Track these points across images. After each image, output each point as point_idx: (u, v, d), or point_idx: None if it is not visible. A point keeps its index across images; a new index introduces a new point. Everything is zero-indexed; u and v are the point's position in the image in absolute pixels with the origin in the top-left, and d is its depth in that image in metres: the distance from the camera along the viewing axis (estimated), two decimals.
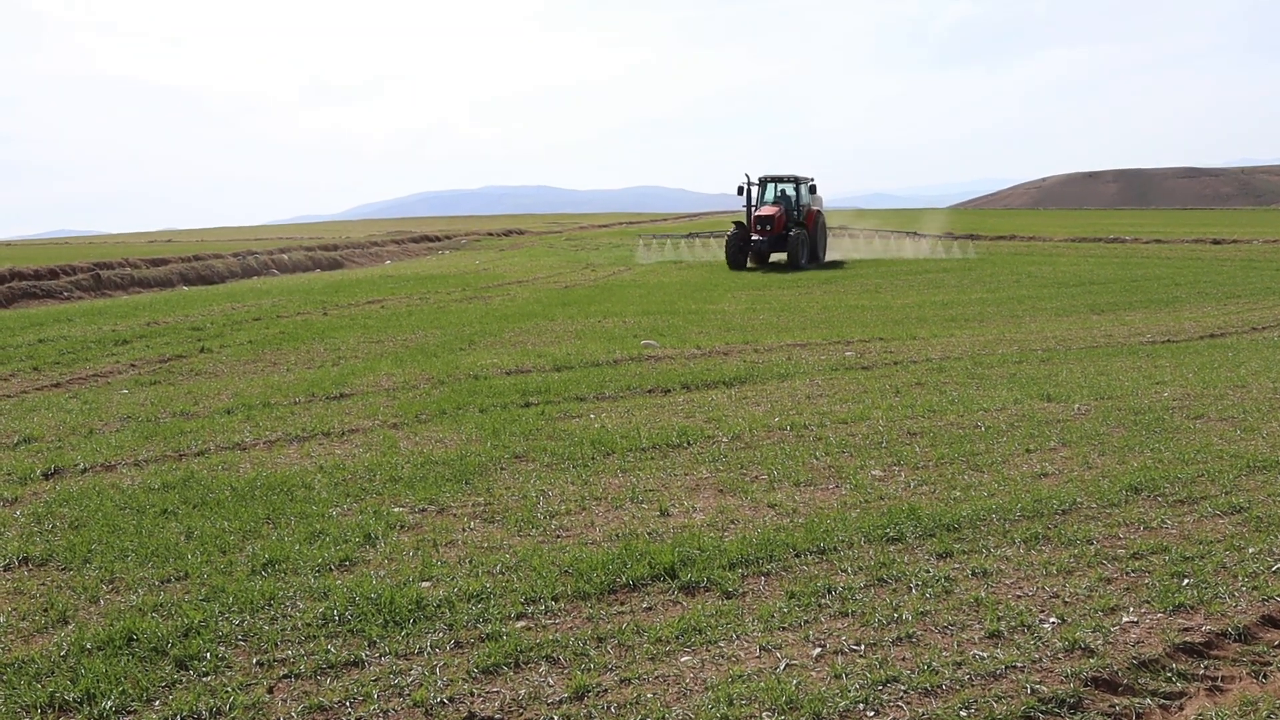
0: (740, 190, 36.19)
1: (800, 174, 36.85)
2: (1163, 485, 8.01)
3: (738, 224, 36.73)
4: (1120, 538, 6.91)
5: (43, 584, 6.55)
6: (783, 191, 37.02)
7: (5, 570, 6.82)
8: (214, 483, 8.70)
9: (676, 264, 39.40)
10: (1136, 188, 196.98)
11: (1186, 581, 6.13)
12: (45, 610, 6.10)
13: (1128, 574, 6.29)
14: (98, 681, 5.11)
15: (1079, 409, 10.88)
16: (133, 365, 16.09)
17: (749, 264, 36.04)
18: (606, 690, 5.00)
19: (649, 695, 4.93)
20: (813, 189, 36.58)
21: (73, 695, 5.01)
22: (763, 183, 37.20)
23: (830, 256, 39.69)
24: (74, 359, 16.73)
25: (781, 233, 35.34)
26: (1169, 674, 5.07)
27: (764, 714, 4.74)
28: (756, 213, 35.69)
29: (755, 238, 35.41)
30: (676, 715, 4.75)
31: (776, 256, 36.92)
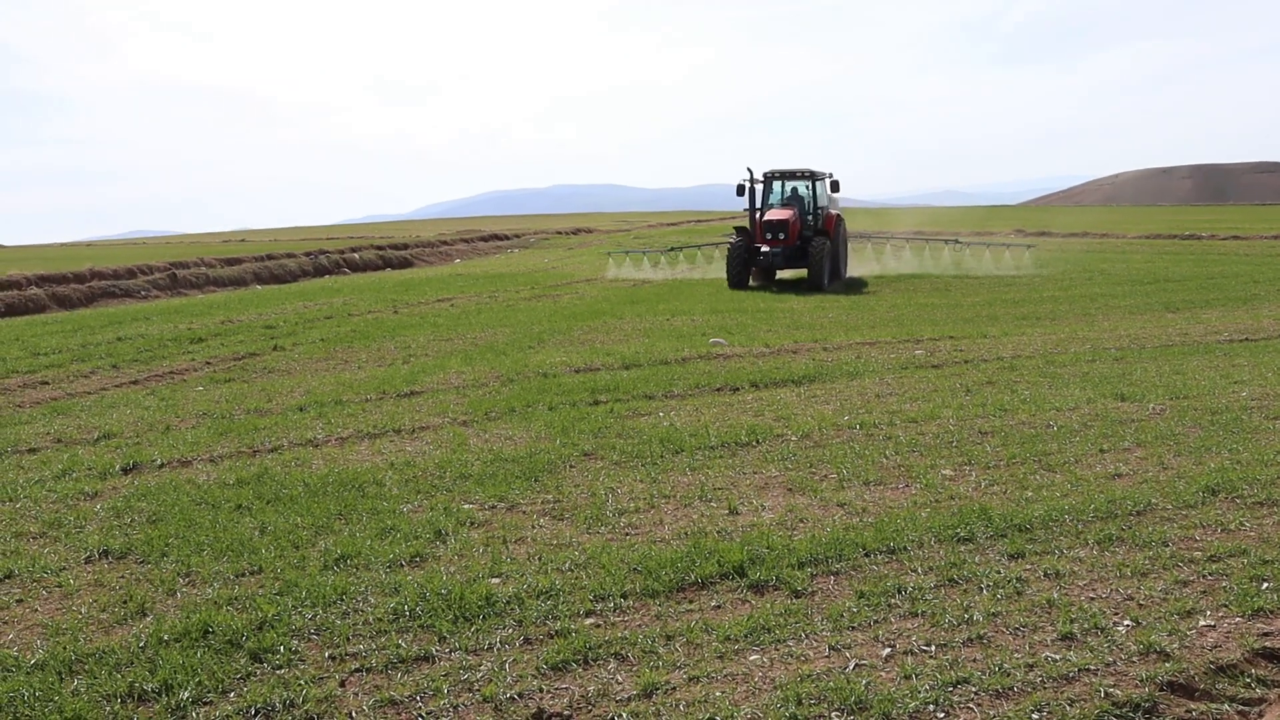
0: (740, 189, 28.31)
1: (816, 169, 29.13)
2: (1241, 486, 7.83)
3: (740, 230, 28.66)
4: (1197, 540, 6.77)
5: (122, 576, 6.70)
6: (794, 190, 29.43)
7: (86, 563, 6.99)
8: (287, 479, 8.84)
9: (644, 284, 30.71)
10: (1213, 183, 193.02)
11: (1266, 585, 5.98)
12: (124, 602, 6.24)
13: (1204, 577, 6.16)
14: (175, 672, 5.22)
15: (1154, 408, 10.68)
16: (208, 363, 16.40)
17: (752, 281, 28.70)
18: (675, 688, 5.00)
19: (717, 693, 4.92)
20: (835, 186, 28.82)
21: (151, 685, 5.12)
22: (768, 180, 29.10)
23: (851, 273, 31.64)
24: (151, 357, 17.10)
25: (797, 242, 27.80)
26: (1247, 680, 4.95)
27: (833, 714, 4.72)
28: (765, 217, 28.01)
29: (764, 249, 27.54)
30: (745, 714, 4.74)
31: (789, 273, 29.99)
